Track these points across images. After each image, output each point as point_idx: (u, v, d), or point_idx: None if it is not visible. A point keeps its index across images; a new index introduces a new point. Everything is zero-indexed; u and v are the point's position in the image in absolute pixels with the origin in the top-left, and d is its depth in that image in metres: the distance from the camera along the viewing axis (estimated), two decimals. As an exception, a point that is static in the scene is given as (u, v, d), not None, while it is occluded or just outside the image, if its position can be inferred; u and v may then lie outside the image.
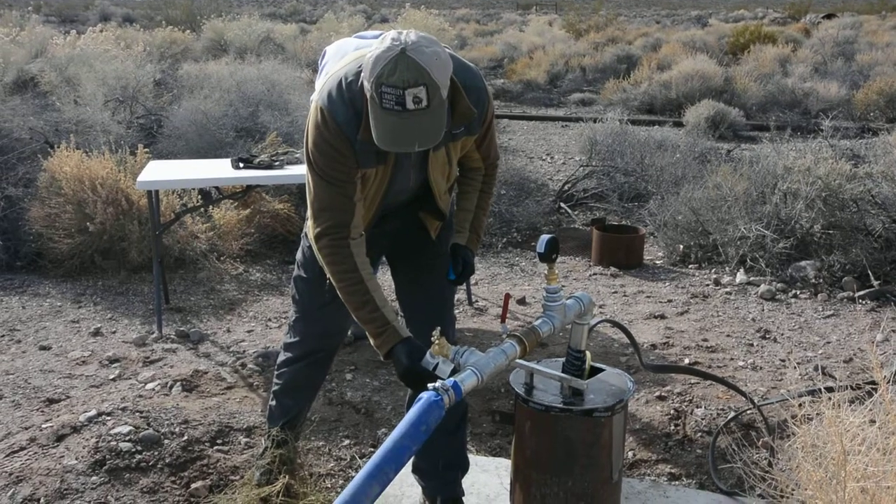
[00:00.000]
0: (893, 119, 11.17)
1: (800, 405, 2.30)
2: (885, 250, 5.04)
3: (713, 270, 5.43)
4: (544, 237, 2.26)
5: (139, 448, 3.05)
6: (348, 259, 2.21)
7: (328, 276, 2.27)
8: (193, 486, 2.90)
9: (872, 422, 2.15)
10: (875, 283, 4.85)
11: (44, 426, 3.23)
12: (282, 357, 2.72)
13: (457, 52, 2.32)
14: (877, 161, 6.26)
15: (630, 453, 3.18)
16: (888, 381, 2.16)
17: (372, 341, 2.23)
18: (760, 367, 3.89)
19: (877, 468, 2.00)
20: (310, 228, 2.29)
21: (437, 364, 2.09)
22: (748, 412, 3.33)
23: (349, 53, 2.34)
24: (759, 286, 5.03)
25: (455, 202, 2.57)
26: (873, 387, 3.07)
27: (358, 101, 2.09)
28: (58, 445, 3.09)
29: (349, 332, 4.11)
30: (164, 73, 10.74)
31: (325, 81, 2.22)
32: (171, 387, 3.63)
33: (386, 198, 2.35)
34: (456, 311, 3.89)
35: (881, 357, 3.90)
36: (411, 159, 2.27)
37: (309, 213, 2.27)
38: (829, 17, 32.61)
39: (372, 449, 3.18)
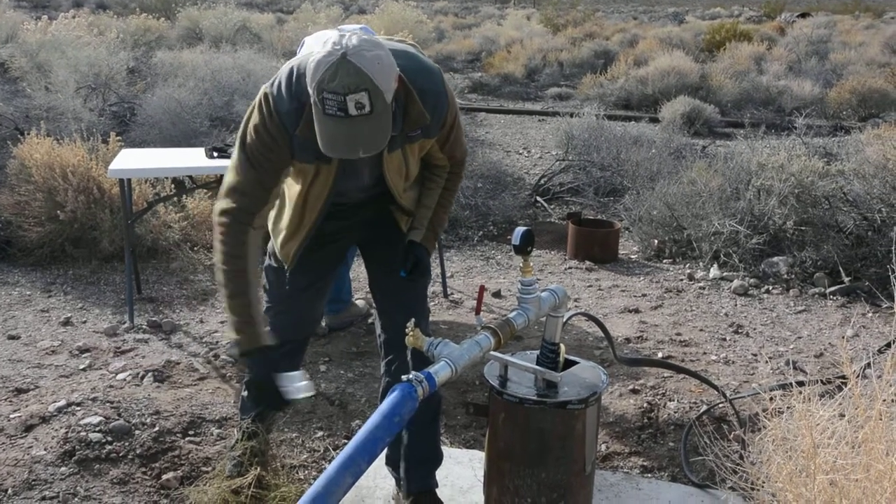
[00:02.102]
0: (865, 118, 11.31)
1: (771, 399, 2.32)
2: (855, 247, 5.10)
3: (687, 265, 5.47)
4: (519, 229, 2.27)
5: (109, 439, 3.01)
6: (242, 245, 2.21)
7: (216, 255, 2.26)
8: (164, 477, 2.87)
9: (842, 415, 2.17)
10: (846, 279, 4.91)
11: (12, 416, 3.19)
12: (255, 347, 2.70)
13: (431, 46, 2.30)
14: (849, 159, 6.35)
15: (603, 446, 3.19)
16: (857, 376, 2.19)
17: (232, 333, 2.22)
18: (733, 362, 3.93)
19: (845, 461, 2.02)
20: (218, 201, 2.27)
21: (289, 389, 2.14)
22: (720, 406, 3.36)
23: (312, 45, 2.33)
24: (732, 281, 5.07)
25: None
26: (843, 381, 3.11)
27: (304, 95, 2.05)
28: (26, 436, 3.04)
29: (323, 324, 4.09)
30: (137, 61, 10.63)
31: (282, 68, 2.21)
32: (143, 377, 3.59)
33: (336, 195, 2.33)
34: (431, 304, 3.89)
35: (851, 352, 3.95)
36: (362, 159, 2.23)
37: (222, 186, 2.25)
38: (803, 16, 32.93)
39: (345, 441, 3.16)
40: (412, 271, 2.43)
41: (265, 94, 2.16)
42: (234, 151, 2.24)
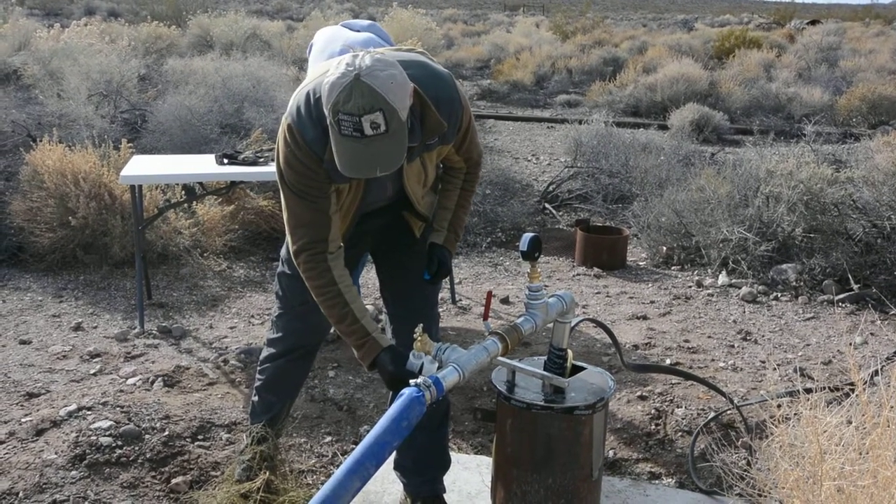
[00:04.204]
0: (875, 125, 11.27)
1: (779, 406, 2.32)
2: (864, 254, 5.09)
3: (695, 272, 5.47)
4: (527, 235, 2.28)
5: (119, 443, 3.04)
6: (326, 273, 2.22)
7: (312, 294, 2.27)
8: (174, 481, 2.89)
9: (849, 422, 2.17)
10: (855, 286, 4.89)
11: (23, 420, 3.21)
12: (265, 353, 2.72)
13: (440, 54, 2.32)
14: (858, 166, 6.34)
15: (611, 452, 3.20)
16: (865, 383, 2.19)
17: (355, 353, 2.25)
18: (741, 369, 3.93)
19: (853, 467, 2.02)
20: (289, 244, 2.29)
21: (423, 364, 2.10)
22: (728, 412, 3.36)
23: (320, 64, 2.34)
24: (740, 288, 5.07)
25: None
26: (851, 388, 3.11)
27: (325, 119, 2.05)
28: (37, 440, 3.07)
29: (332, 329, 4.11)
30: (148, 68, 10.71)
31: (295, 94, 2.21)
32: (153, 382, 3.61)
33: (361, 208, 2.35)
34: (440, 310, 3.89)
35: (859, 359, 3.94)
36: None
37: (286, 230, 2.27)
38: (813, 23, 32.88)
39: (354, 446, 3.17)
40: (436, 274, 2.44)
41: (288, 126, 2.15)
42: (280, 192, 2.25)
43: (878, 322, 4.56)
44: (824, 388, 3.36)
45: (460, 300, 4.88)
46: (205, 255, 5.30)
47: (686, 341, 4.26)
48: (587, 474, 2.33)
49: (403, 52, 2.31)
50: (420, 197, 2.41)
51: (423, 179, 2.37)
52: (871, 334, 4.39)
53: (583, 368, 2.44)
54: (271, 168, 4.38)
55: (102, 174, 5.22)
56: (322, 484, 2.40)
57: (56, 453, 2.96)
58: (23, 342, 4.13)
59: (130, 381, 3.64)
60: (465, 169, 2.49)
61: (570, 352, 2.39)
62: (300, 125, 2.13)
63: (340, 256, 2.26)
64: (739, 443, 3.14)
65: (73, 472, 2.87)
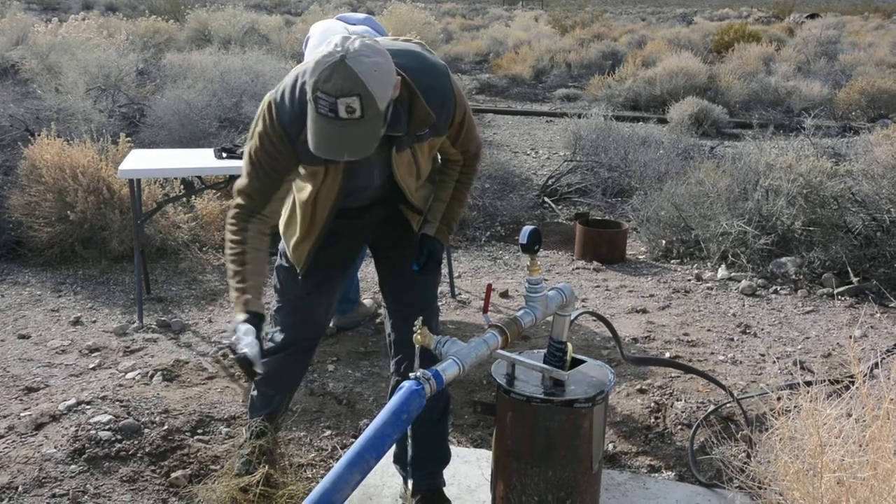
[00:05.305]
0: (874, 118, 11.26)
1: (778, 398, 2.32)
2: (864, 247, 5.08)
3: (695, 266, 5.46)
4: (526, 228, 2.28)
5: (119, 437, 3.03)
6: (242, 232, 2.29)
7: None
8: (173, 475, 2.89)
9: (849, 415, 2.18)
10: (854, 279, 4.89)
11: (22, 414, 3.21)
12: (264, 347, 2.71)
13: (439, 48, 2.31)
14: (857, 159, 6.34)
15: (610, 445, 3.20)
16: (865, 376, 2.19)
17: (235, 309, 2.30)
18: (740, 362, 3.92)
19: (853, 460, 2.02)
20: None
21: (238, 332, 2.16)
22: (728, 405, 3.36)
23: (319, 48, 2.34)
24: (740, 282, 5.06)
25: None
26: (851, 380, 3.11)
27: (306, 103, 2.06)
28: (36, 434, 3.06)
29: (332, 324, 4.11)
30: (146, 63, 10.69)
31: (288, 74, 2.24)
32: (152, 376, 3.61)
33: (346, 196, 2.34)
34: (439, 304, 3.89)
35: (859, 352, 3.94)
36: (371, 159, 2.21)
37: (236, 183, 2.33)
38: (812, 16, 32.84)
39: (353, 440, 3.17)
40: (425, 265, 2.43)
41: (269, 103, 2.19)
42: (244, 155, 2.30)
43: (878, 315, 4.56)
44: (824, 380, 3.36)
45: (459, 294, 4.88)
46: (203, 249, 5.29)
47: (685, 335, 4.26)
48: (587, 467, 2.33)
49: (400, 41, 2.30)
50: (413, 189, 2.40)
51: (416, 171, 2.36)
52: (871, 327, 4.39)
53: (582, 361, 2.44)
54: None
55: (101, 168, 5.22)
56: (322, 478, 2.40)
57: (55, 447, 2.95)
58: (22, 337, 4.13)
59: (129, 375, 3.63)
60: (462, 161, 2.48)
61: (569, 345, 2.39)
62: (280, 104, 2.17)
63: (266, 224, 2.31)
64: (739, 436, 3.14)
65: (73, 467, 2.87)
